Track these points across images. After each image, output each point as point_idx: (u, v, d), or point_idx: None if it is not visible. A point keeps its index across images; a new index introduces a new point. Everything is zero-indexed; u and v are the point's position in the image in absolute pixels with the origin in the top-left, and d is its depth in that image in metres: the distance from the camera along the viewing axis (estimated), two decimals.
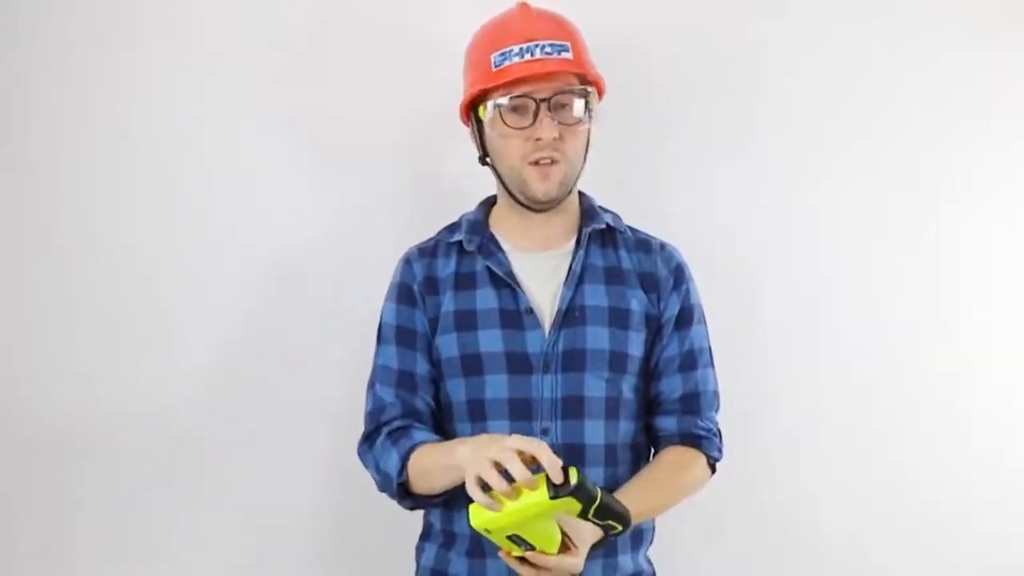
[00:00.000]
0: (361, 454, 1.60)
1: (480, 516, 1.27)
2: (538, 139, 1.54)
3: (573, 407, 1.55)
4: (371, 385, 1.63)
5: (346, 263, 2.05)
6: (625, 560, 1.60)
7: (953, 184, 2.19)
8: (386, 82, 2.05)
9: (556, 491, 1.20)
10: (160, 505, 2.05)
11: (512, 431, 1.47)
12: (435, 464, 1.44)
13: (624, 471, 1.59)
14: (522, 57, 1.54)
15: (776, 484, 2.16)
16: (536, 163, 1.56)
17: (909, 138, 2.17)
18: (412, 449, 1.48)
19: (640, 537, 1.64)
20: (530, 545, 1.30)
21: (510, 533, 1.28)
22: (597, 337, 1.57)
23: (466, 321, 1.59)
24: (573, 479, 1.20)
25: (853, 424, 2.17)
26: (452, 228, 1.72)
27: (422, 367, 1.61)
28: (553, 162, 1.56)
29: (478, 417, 1.57)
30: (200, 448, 2.05)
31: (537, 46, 1.55)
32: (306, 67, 2.06)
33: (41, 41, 2.01)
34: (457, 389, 1.59)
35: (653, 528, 1.69)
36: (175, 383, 2.04)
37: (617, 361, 1.59)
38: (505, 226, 1.68)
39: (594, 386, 1.57)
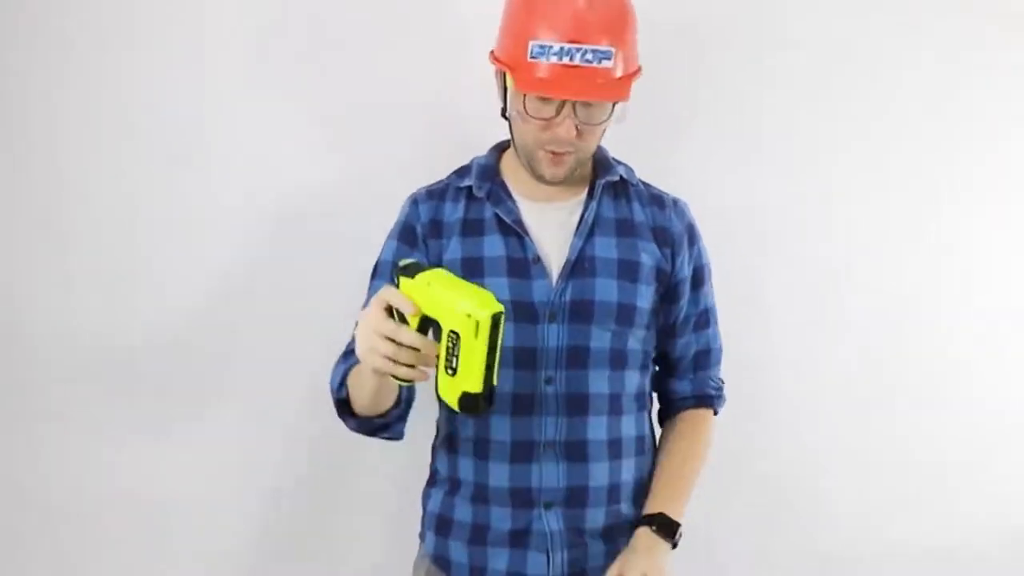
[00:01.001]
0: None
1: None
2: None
3: (578, 357, 1.55)
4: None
5: (348, 203, 2.04)
6: (629, 487, 1.62)
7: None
8: (391, 17, 2.02)
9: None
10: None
11: (516, 379, 1.53)
12: (357, 371, 1.46)
13: (628, 421, 1.61)
14: (560, 59, 1.45)
15: (781, 444, 2.24)
16: (550, 151, 1.54)
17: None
18: (353, 365, 1.47)
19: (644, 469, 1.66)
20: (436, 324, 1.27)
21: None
22: (606, 289, 1.56)
23: (472, 268, 1.56)
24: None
25: (857, 387, 2.25)
26: (462, 172, 1.68)
27: None
28: (568, 153, 1.55)
29: None
30: (200, 377, 2.08)
31: (578, 51, 1.45)
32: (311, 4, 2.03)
33: None
34: None
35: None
36: (175, 314, 2.05)
37: (624, 314, 1.58)
38: (516, 174, 1.64)
39: (600, 337, 1.56)
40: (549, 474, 1.55)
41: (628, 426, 1.61)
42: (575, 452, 1.55)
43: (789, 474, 2.25)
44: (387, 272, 1.60)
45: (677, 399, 1.72)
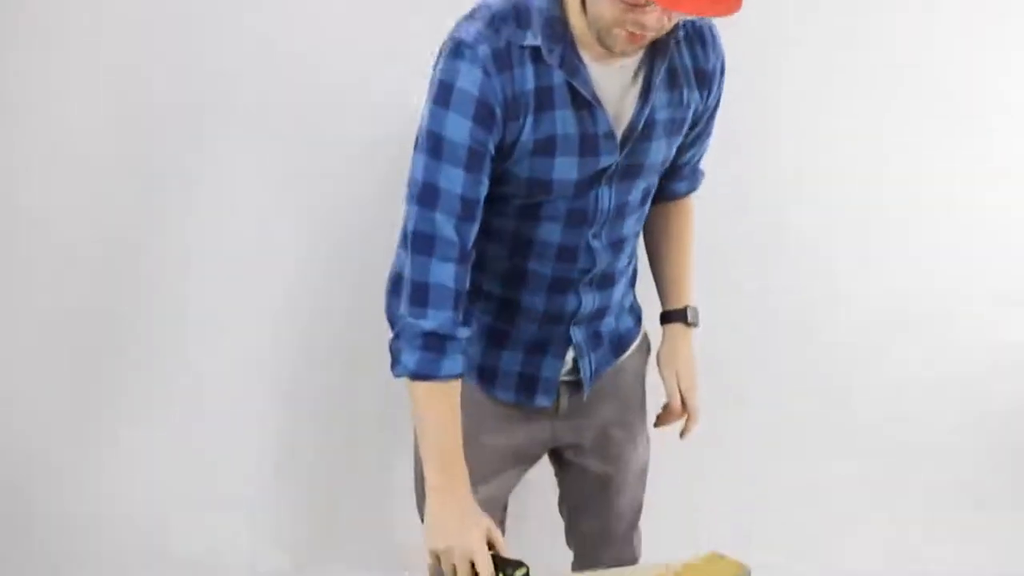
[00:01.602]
0: (391, 306, 1.59)
1: None
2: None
3: (621, 211, 1.57)
4: (424, 202, 1.42)
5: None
6: (628, 297, 1.75)
7: None
8: None
9: None
10: None
11: (564, 234, 1.53)
12: (426, 435, 1.47)
13: (638, 239, 1.70)
14: None
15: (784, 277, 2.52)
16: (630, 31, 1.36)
17: None
18: (429, 377, 1.43)
19: (635, 277, 1.77)
20: None
21: None
22: (657, 151, 1.55)
23: (544, 148, 1.44)
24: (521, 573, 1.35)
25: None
26: (518, 21, 1.41)
27: (484, 193, 1.44)
28: (647, 35, 1.39)
29: (532, 218, 1.53)
30: None
31: None
32: None
33: None
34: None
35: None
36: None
37: (663, 166, 1.61)
38: (584, 33, 1.41)
39: (639, 188, 1.59)
40: (585, 301, 1.61)
41: (633, 255, 1.70)
42: (607, 281, 1.64)
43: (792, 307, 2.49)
44: (461, 157, 1.39)
45: (672, 195, 1.77)
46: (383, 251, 1.74)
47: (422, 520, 1.73)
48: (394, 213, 1.58)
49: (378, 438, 2.47)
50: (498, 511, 1.73)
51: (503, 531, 1.73)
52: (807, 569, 2.59)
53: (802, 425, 2.76)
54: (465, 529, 1.40)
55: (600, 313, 1.66)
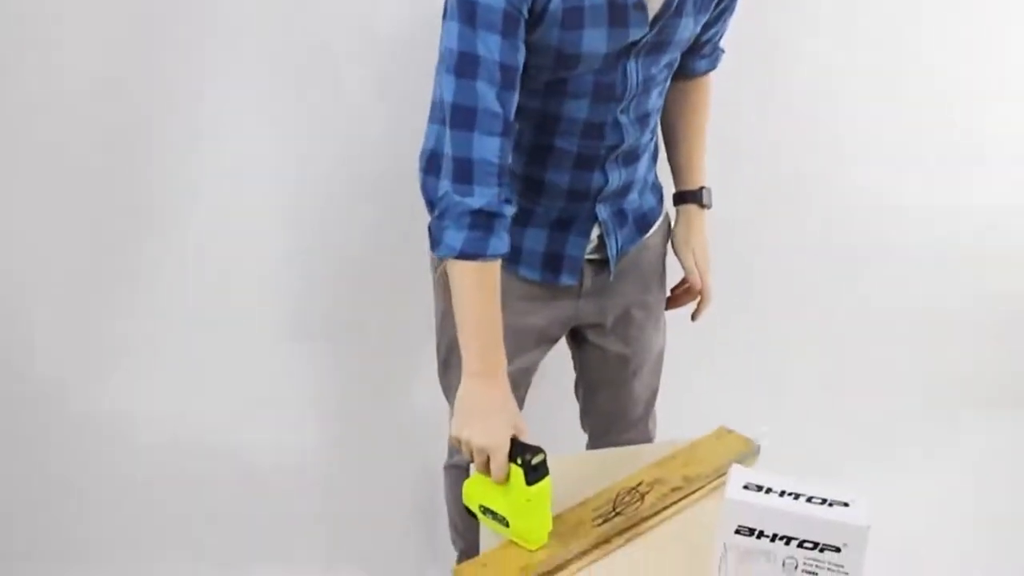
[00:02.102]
0: (428, 186, 1.42)
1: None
2: None
3: (646, 85, 1.54)
4: (462, 72, 1.36)
5: None
6: (651, 173, 1.75)
7: None
8: None
9: (532, 477, 1.34)
10: None
11: (591, 110, 1.50)
12: (466, 320, 1.43)
13: (659, 114, 1.67)
14: None
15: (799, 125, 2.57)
16: None
17: None
18: (476, 256, 1.40)
19: (657, 152, 1.77)
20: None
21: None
22: (686, 27, 1.52)
23: (572, 17, 1.39)
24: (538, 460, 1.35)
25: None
26: None
27: (522, 61, 1.40)
28: None
29: (559, 94, 1.50)
30: None
31: None
32: None
33: None
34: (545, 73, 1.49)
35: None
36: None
37: (688, 42, 1.58)
38: None
39: (665, 63, 1.56)
40: (612, 177, 1.60)
41: (655, 128, 1.69)
42: (631, 157, 1.63)
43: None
44: (497, 21, 1.34)
45: (691, 73, 1.76)
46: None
47: (446, 396, 1.80)
48: (401, 129, 1.60)
49: (390, 354, 2.54)
50: (519, 391, 1.77)
51: (521, 410, 1.79)
52: (816, 444, 2.66)
53: (813, 307, 2.84)
54: (492, 425, 1.38)
55: (625, 190, 1.66)
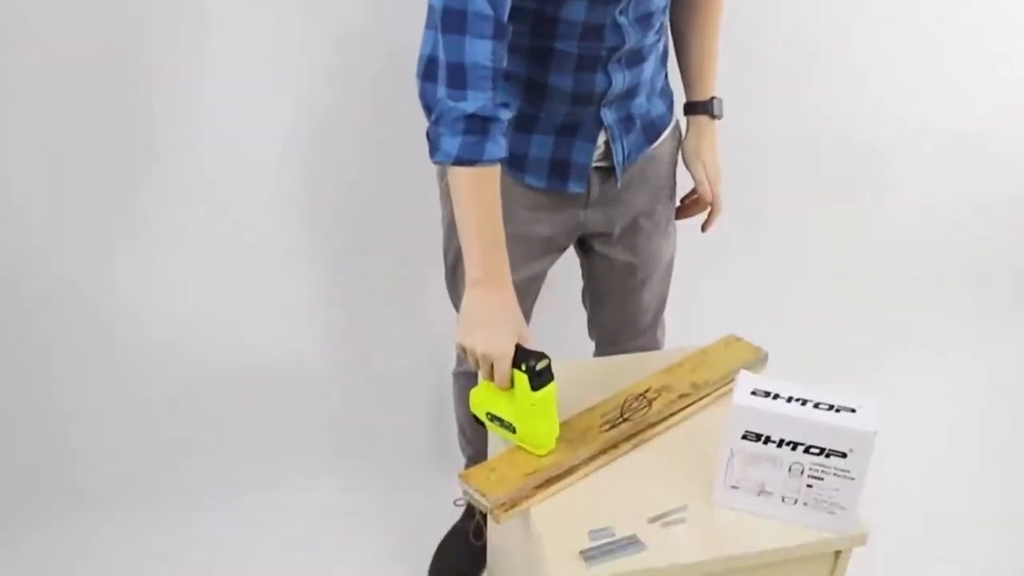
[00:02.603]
0: (426, 92, 1.39)
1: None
2: None
3: None
4: None
5: None
6: (659, 77, 1.72)
7: None
8: None
9: (537, 383, 1.36)
10: None
11: (588, 13, 1.46)
12: (467, 227, 1.41)
13: (666, 14, 1.65)
14: None
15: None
16: None
17: None
18: (472, 162, 1.38)
19: (667, 55, 1.75)
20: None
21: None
22: None
23: None
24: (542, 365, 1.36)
25: None
26: None
27: None
28: None
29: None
30: None
31: None
32: None
33: None
34: None
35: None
36: None
37: None
38: None
39: None
40: (615, 80, 1.57)
41: (662, 30, 1.65)
42: (635, 58, 1.58)
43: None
44: None
45: None
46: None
47: (454, 304, 1.81)
48: (404, 37, 1.57)
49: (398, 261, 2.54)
50: (527, 300, 1.78)
51: (528, 319, 1.80)
52: (825, 351, 2.68)
53: (822, 214, 2.83)
54: (495, 333, 1.38)
55: (631, 93, 1.62)
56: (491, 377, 1.40)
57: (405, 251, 2.48)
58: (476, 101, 1.35)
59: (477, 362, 1.40)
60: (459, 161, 1.37)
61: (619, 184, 1.69)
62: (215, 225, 2.38)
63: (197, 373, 2.46)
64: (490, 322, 1.40)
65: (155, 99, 2.24)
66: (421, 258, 2.28)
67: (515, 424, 1.41)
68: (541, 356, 1.36)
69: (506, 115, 1.39)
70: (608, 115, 1.61)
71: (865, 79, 2.67)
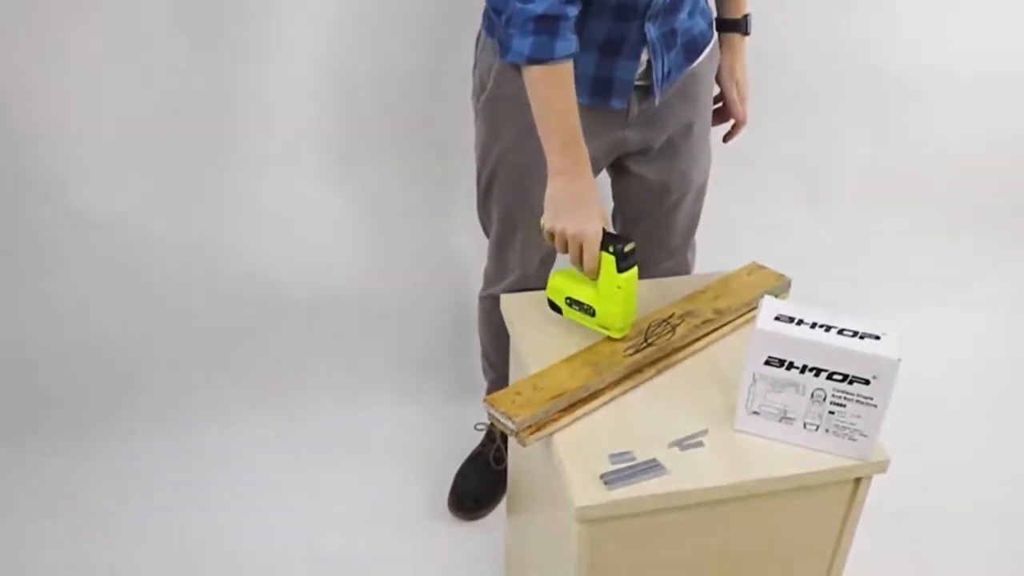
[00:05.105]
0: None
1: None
2: None
3: None
4: None
5: None
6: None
7: None
8: None
9: (624, 264, 1.43)
10: None
11: None
12: (546, 121, 1.47)
13: None
14: None
15: None
16: None
17: None
18: (545, 60, 1.42)
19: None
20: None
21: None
22: None
23: None
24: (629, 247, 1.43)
25: None
26: None
27: None
28: None
29: None
30: None
31: None
32: None
33: None
34: None
35: None
36: None
37: None
38: None
39: None
40: None
41: None
42: None
43: None
44: None
45: None
46: None
47: (483, 227, 1.82)
48: None
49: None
50: None
51: None
52: (847, 282, 2.68)
53: (847, 143, 2.81)
54: (584, 215, 1.45)
55: (674, 7, 1.60)
56: (579, 259, 1.46)
57: (433, 173, 2.47)
58: (544, 1, 1.39)
59: (566, 245, 1.47)
60: (532, 60, 1.42)
61: (657, 102, 1.68)
62: (240, 152, 2.37)
63: (211, 299, 2.46)
64: (578, 205, 1.46)
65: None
66: (448, 183, 2.28)
67: (596, 307, 1.46)
68: (627, 239, 1.44)
69: (573, 12, 1.43)
70: (652, 30, 1.58)
71: (895, 13, 2.62)
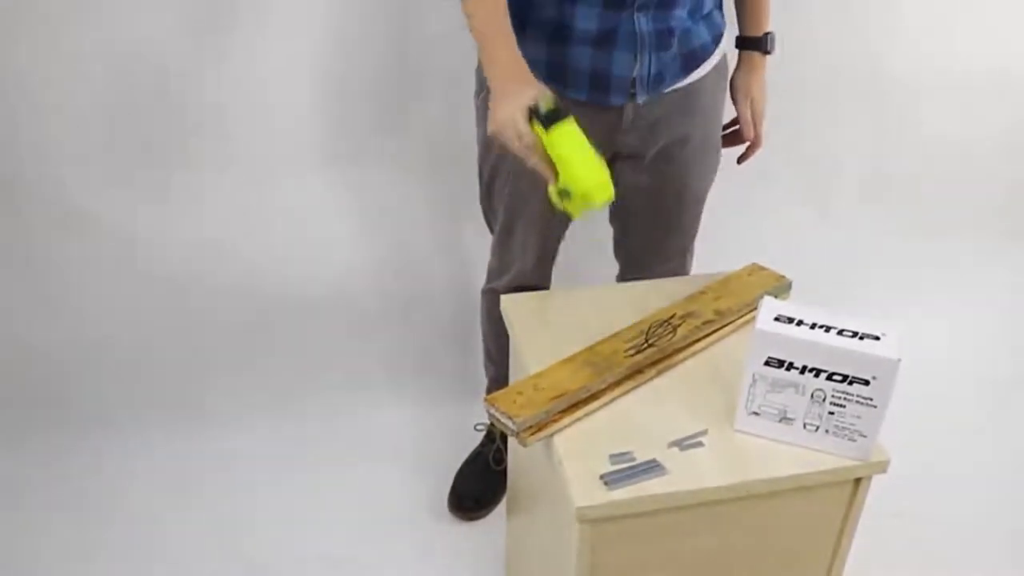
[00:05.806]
0: None
1: None
2: None
3: None
4: None
5: None
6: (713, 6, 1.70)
7: None
8: None
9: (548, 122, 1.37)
10: None
11: None
12: (484, 48, 1.46)
13: None
14: None
15: None
16: None
17: None
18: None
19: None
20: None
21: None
22: None
23: None
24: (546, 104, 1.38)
25: None
26: None
27: None
28: None
29: None
30: None
31: None
32: None
33: None
34: None
35: None
36: None
37: None
38: None
39: None
40: None
41: None
42: None
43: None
44: None
45: None
46: None
47: (487, 222, 1.83)
48: None
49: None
50: (561, 225, 1.80)
51: (560, 241, 1.84)
52: (848, 284, 2.67)
53: (849, 144, 2.82)
54: (501, 107, 1.41)
55: (668, 2, 1.57)
56: (523, 152, 1.41)
57: (431, 176, 2.47)
58: None
59: (508, 147, 1.42)
60: None
61: (640, 100, 1.64)
62: (240, 152, 2.38)
63: (211, 299, 2.47)
64: (498, 103, 1.43)
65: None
66: (449, 183, 2.28)
67: (567, 185, 1.40)
68: (544, 97, 1.39)
69: None
70: (642, 21, 1.56)
71: (896, 14, 2.62)
